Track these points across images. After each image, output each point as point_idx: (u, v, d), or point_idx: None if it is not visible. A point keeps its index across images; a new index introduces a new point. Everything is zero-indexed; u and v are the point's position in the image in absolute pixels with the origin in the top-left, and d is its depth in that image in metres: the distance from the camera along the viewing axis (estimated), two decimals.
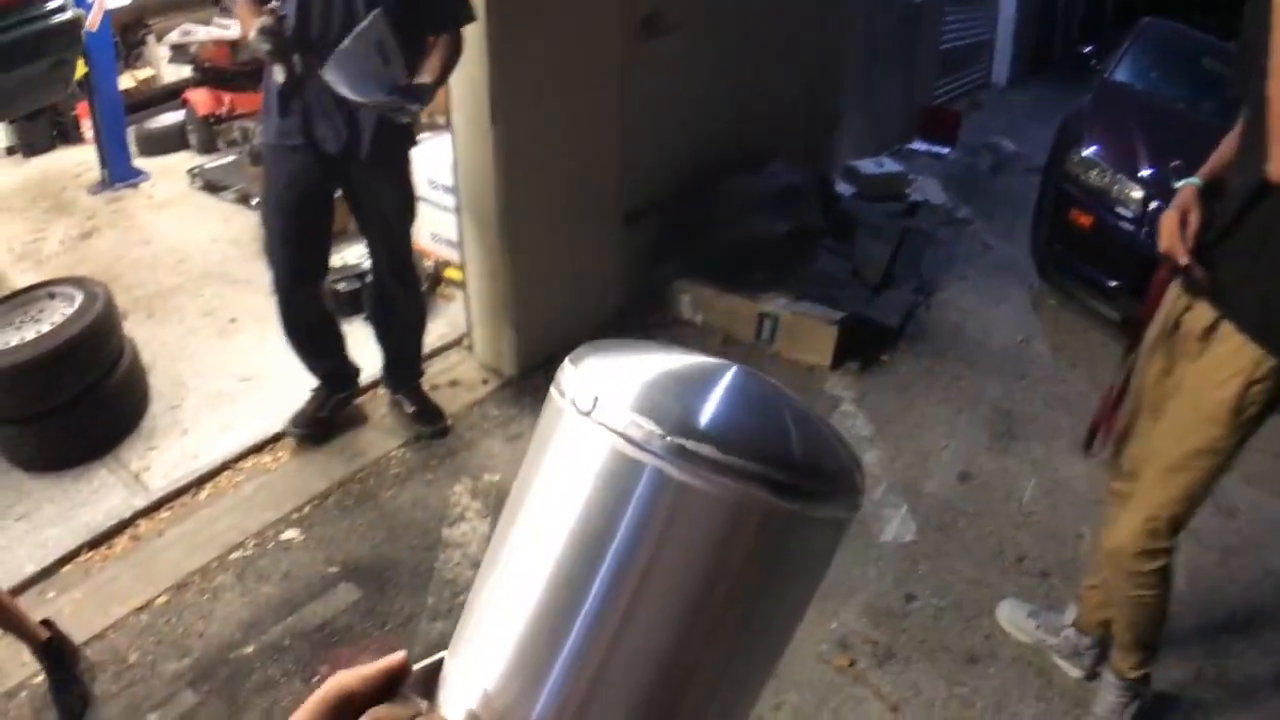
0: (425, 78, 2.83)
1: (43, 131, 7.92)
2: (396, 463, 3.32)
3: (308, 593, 2.82)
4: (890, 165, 6.01)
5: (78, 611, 2.80)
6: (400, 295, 3.26)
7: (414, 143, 3.16)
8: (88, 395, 3.39)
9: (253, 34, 2.73)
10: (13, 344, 3.33)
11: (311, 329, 3.28)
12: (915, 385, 3.92)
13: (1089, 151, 4.46)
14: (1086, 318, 4.45)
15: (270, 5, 2.77)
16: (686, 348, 0.46)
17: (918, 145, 7.18)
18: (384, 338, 3.38)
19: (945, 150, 7.13)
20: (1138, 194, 4.15)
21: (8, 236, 6.11)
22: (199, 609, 2.79)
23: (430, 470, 3.28)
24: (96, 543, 3.06)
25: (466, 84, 3.26)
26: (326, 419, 3.36)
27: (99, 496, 3.24)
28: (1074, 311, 4.55)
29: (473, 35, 3.03)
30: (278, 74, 2.82)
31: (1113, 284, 4.14)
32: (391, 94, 2.71)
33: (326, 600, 2.80)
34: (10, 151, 8.23)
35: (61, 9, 4.27)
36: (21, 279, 5.18)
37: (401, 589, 2.83)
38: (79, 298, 3.51)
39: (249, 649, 2.64)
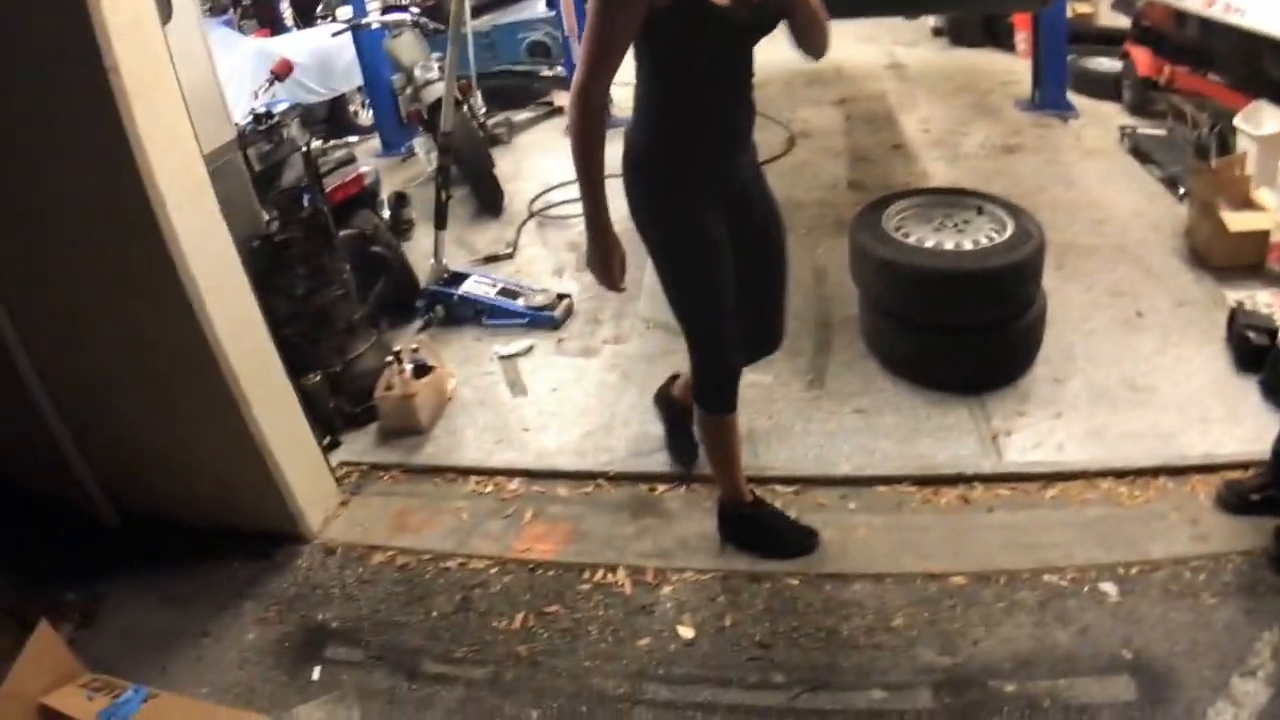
0: None
1: (975, 25, 8.25)
2: (1233, 569, 2.54)
3: (1093, 661, 2.32)
4: None
5: (868, 539, 2.72)
6: None
7: None
8: (985, 330, 3.20)
9: None
10: (928, 245, 3.25)
11: None
12: None
13: None
14: None
15: None
16: None
17: None
18: None
19: None
20: None
21: (927, 116, 6.40)
22: (987, 612, 2.46)
23: (1257, 598, 2.46)
24: (924, 481, 2.89)
25: None
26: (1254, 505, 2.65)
27: (948, 435, 3.06)
28: None
29: None
30: None
31: None
32: None
33: (1104, 682, 2.27)
34: (937, 33, 8.76)
35: None
36: (933, 165, 5.44)
37: (1169, 717, 2.18)
38: (1010, 226, 3.30)
39: (1009, 687, 2.26)
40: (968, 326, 3.18)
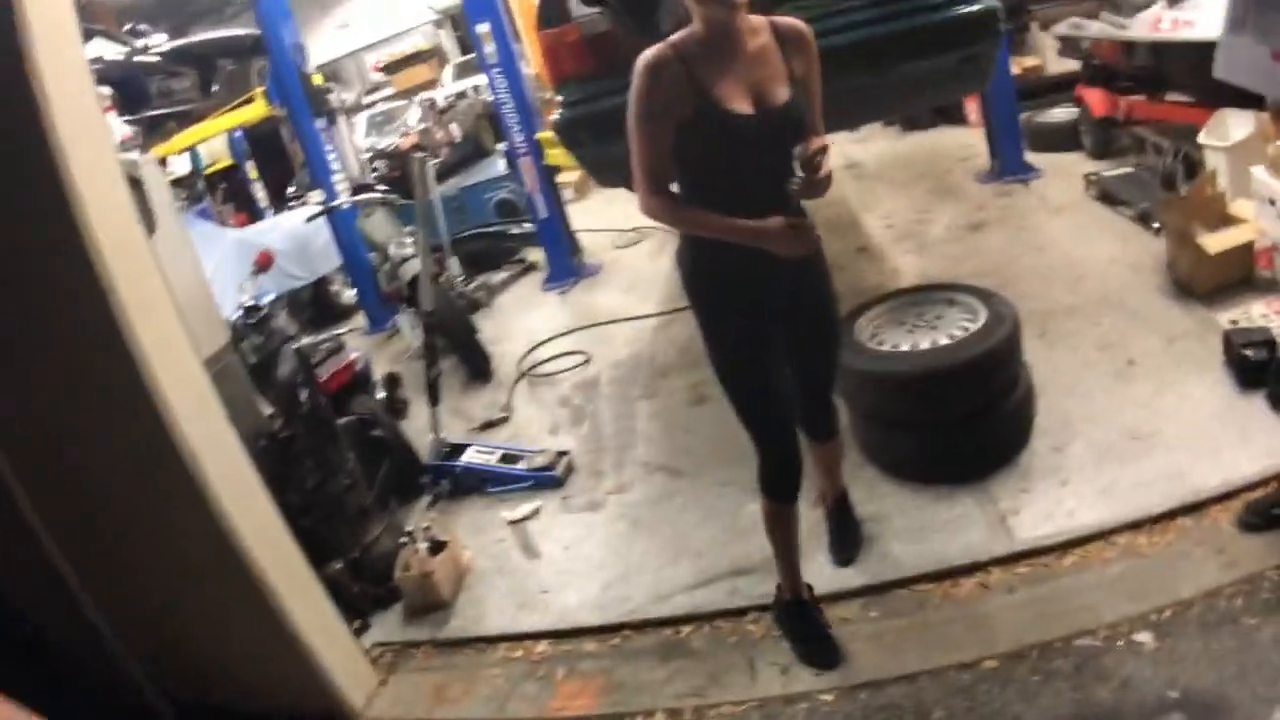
0: None
1: (924, 109, 7.97)
2: (1270, 586, 2.54)
3: (1139, 710, 2.31)
4: None
5: (895, 643, 2.73)
6: None
7: None
8: (974, 418, 3.26)
9: None
10: (903, 349, 3.34)
11: None
12: None
13: None
14: None
15: None
16: None
17: None
18: None
19: None
20: None
21: (889, 211, 6.42)
22: (1024, 689, 2.47)
23: None
24: (941, 576, 2.93)
25: None
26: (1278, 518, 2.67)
27: (957, 527, 3.09)
28: None
29: None
30: None
31: None
32: None
33: None
34: (888, 123, 8.70)
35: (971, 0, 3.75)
36: (902, 260, 5.45)
37: None
38: (983, 314, 3.36)
39: None
40: (958, 419, 3.23)
